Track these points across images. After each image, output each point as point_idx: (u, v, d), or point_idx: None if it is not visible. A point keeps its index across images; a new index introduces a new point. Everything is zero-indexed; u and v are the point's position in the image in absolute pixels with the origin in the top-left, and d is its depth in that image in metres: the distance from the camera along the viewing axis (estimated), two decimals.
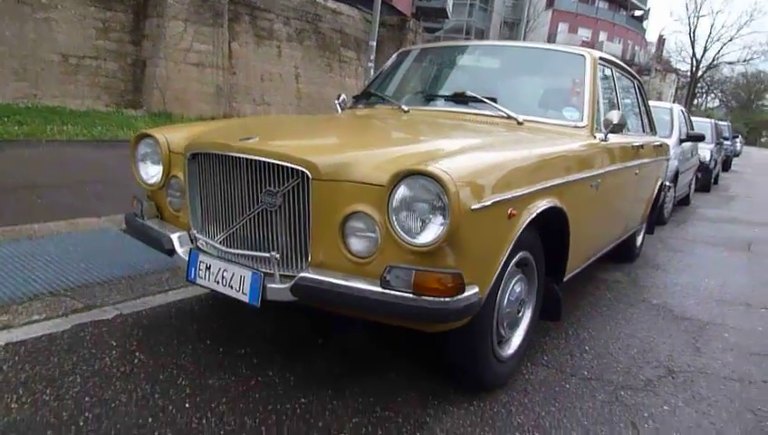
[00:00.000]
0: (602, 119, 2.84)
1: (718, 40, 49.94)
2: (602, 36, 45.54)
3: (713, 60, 44.51)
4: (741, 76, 52.87)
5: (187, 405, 1.89)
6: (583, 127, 2.77)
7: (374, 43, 10.07)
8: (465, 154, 1.90)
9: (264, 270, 1.87)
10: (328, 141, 2.31)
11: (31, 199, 4.12)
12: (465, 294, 1.69)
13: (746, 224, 7.44)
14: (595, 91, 2.90)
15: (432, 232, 1.66)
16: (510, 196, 1.87)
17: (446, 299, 1.66)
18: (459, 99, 2.90)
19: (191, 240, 2.17)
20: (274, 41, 12.61)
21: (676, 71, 51.46)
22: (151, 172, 2.38)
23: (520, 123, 2.71)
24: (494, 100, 2.79)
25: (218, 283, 1.96)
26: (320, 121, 2.96)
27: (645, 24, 50.38)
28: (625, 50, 46.93)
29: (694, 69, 44.36)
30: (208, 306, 2.77)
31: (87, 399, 1.87)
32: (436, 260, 1.70)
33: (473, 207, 1.68)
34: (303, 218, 1.83)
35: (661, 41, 51.84)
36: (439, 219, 1.65)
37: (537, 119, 2.77)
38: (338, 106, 3.55)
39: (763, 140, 61.46)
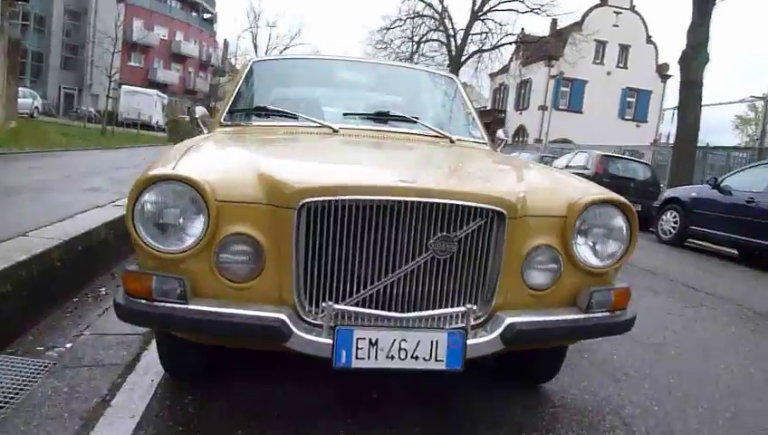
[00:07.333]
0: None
1: (275, 48, 56.82)
2: (179, 36, 45.64)
3: None
4: None
5: None
6: (486, 143, 3.13)
7: None
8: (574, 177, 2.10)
9: (452, 327, 1.64)
10: (472, 178, 2.08)
11: None
12: None
13: None
14: (475, 109, 3.33)
15: (612, 253, 1.82)
16: None
17: (627, 310, 1.87)
18: (381, 117, 2.83)
19: (299, 316, 1.63)
20: None
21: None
22: (182, 232, 1.62)
23: (453, 142, 2.86)
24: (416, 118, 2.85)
25: (393, 358, 1.59)
26: (354, 150, 2.44)
27: (215, 26, 52.92)
28: (201, 50, 48.27)
29: None
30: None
31: None
32: (606, 279, 1.86)
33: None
34: (493, 261, 1.68)
35: (226, 44, 55.53)
36: (617, 243, 1.82)
37: (461, 137, 2.96)
38: (200, 123, 3.00)
39: None
